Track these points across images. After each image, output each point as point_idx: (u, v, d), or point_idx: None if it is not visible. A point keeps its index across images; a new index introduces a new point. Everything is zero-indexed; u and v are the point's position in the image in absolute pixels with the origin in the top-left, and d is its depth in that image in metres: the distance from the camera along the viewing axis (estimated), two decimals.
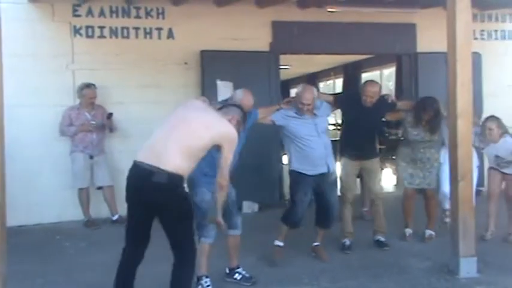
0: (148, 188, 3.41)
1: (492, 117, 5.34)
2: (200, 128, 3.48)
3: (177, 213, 3.48)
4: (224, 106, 4.03)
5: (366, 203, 6.36)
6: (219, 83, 6.91)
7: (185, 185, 3.64)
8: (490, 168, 5.58)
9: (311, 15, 7.30)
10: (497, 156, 5.35)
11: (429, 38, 7.64)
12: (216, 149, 3.60)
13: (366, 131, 5.27)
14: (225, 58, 6.89)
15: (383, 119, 5.71)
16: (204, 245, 4.22)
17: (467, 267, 4.45)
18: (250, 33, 7.18)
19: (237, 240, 4.42)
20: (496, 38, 8.04)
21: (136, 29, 6.98)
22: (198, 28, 7.03)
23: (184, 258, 3.57)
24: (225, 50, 6.93)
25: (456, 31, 4.31)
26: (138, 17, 6.98)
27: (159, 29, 7.04)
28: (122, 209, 6.57)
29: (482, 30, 7.99)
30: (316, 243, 5.09)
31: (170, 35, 7.07)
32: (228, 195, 3.81)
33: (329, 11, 6.98)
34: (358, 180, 6.01)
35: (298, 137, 4.73)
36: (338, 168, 5.36)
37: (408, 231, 5.62)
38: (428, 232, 5.56)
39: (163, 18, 7.05)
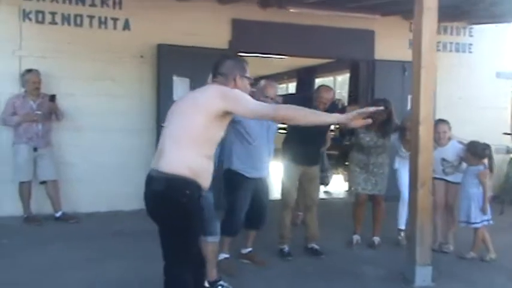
0: (149, 197, 2.95)
1: (443, 121, 5.42)
2: (189, 108, 2.90)
3: (176, 228, 2.91)
4: None
5: (300, 208, 6.13)
6: (175, 78, 6.69)
7: (194, 186, 2.90)
8: (434, 178, 5.57)
9: (272, 15, 7.21)
10: (443, 160, 5.39)
11: (387, 45, 7.76)
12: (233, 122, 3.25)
13: (313, 136, 5.16)
14: (183, 53, 6.67)
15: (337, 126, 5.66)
16: (212, 244, 4.00)
17: (423, 276, 4.42)
18: (210, 29, 7.00)
19: (216, 248, 4.15)
20: (451, 50, 8.22)
21: (91, 17, 6.65)
22: (156, 21, 6.79)
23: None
24: (183, 45, 6.72)
25: (422, 38, 4.31)
26: (93, 4, 6.65)
27: (115, 19, 6.75)
28: (66, 205, 6.31)
29: (438, 42, 8.13)
30: (248, 249, 4.88)
31: (126, 26, 6.79)
32: (204, 198, 3.21)
33: (292, 11, 6.90)
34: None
35: (250, 134, 4.45)
36: (279, 172, 5.25)
37: (356, 237, 5.60)
38: (377, 239, 5.55)
39: (120, 8, 6.76)
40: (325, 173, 7.18)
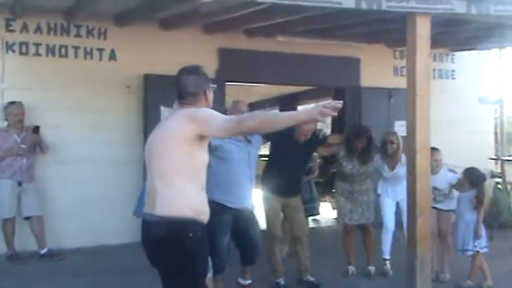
0: (148, 243, 2.77)
1: (436, 149, 5.40)
2: (166, 143, 2.70)
3: (183, 273, 2.72)
4: None
5: (287, 240, 5.96)
6: (163, 109, 6.57)
7: (197, 226, 2.75)
8: None
9: (258, 44, 7.22)
10: (434, 188, 5.36)
11: (372, 73, 7.84)
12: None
13: (295, 168, 5.11)
14: (170, 83, 6.41)
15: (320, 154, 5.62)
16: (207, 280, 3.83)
17: None
18: (196, 59, 6.73)
19: (210, 284, 3.91)
20: (435, 77, 8.32)
21: (76, 48, 6.56)
22: (142, 51, 6.72)
23: None
24: (169, 74, 6.59)
25: (416, 66, 4.36)
26: (78, 35, 6.57)
27: (101, 50, 6.67)
28: (52, 241, 6.09)
29: None
30: (248, 281, 4.77)
31: (112, 56, 6.71)
32: None
33: (279, 40, 6.93)
34: None
35: (230, 160, 4.32)
36: (261, 202, 5.12)
37: (351, 268, 5.50)
38: (372, 268, 5.47)
39: (105, 38, 6.69)
40: (314, 203, 7.09)
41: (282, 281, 5.04)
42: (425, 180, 4.41)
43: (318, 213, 7.40)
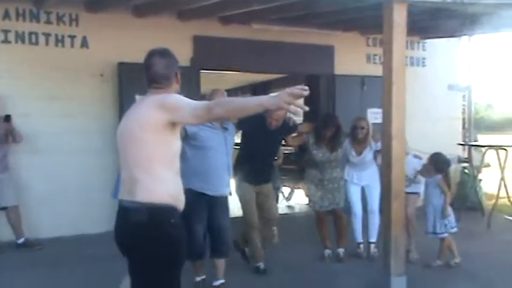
0: (125, 231, 2.70)
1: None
2: (138, 131, 2.65)
3: (162, 263, 2.67)
4: None
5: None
6: (137, 97, 6.51)
7: (177, 213, 2.74)
8: None
9: (233, 31, 7.21)
10: None
11: (346, 60, 7.92)
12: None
13: (266, 154, 5.20)
14: None
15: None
16: None
17: (398, 286, 4.51)
18: (171, 46, 6.61)
19: None
20: (406, 64, 8.41)
21: (47, 35, 6.44)
22: (115, 38, 6.65)
23: None
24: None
25: (393, 54, 4.41)
26: (48, 22, 6.44)
27: (72, 37, 6.55)
28: (29, 231, 6.03)
29: None
30: (220, 281, 4.58)
31: (84, 43, 6.60)
32: None
33: (254, 27, 6.94)
34: None
35: (207, 148, 4.31)
36: (235, 192, 5.11)
37: (327, 252, 5.64)
38: (341, 250, 5.61)
39: (76, 25, 6.57)
40: (276, 191, 7.16)
41: (261, 264, 5.13)
42: (400, 166, 4.51)
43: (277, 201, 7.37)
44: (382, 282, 4.59)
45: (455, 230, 5.38)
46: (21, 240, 5.93)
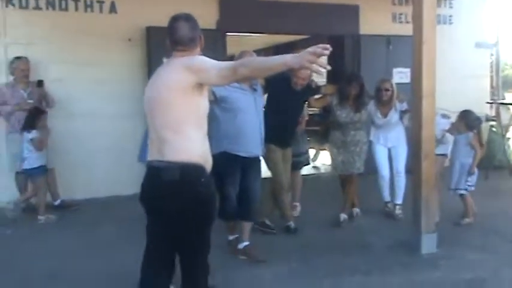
0: (157, 190, 2.74)
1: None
2: (168, 94, 2.68)
3: (194, 223, 2.75)
4: None
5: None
6: (165, 61, 6.58)
7: (206, 173, 2.78)
8: None
9: None
10: None
11: (371, 20, 7.83)
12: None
13: (292, 116, 5.21)
14: None
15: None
16: None
17: (429, 243, 4.61)
18: (198, 10, 6.64)
19: None
20: None
21: (76, 1, 6.52)
22: (142, 3, 6.68)
23: None
24: None
25: (423, 13, 4.37)
26: None
27: (101, 2, 6.63)
28: (64, 193, 6.24)
29: None
30: (245, 243, 4.56)
31: (113, 9, 6.67)
32: None
33: None
34: None
35: (238, 109, 4.23)
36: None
37: (356, 210, 5.81)
38: (357, 210, 5.82)
39: None
40: (305, 155, 7.20)
41: (292, 224, 5.26)
42: (431, 126, 4.53)
43: (308, 163, 7.43)
44: (412, 240, 4.70)
45: (473, 188, 5.43)
46: (57, 202, 6.14)
